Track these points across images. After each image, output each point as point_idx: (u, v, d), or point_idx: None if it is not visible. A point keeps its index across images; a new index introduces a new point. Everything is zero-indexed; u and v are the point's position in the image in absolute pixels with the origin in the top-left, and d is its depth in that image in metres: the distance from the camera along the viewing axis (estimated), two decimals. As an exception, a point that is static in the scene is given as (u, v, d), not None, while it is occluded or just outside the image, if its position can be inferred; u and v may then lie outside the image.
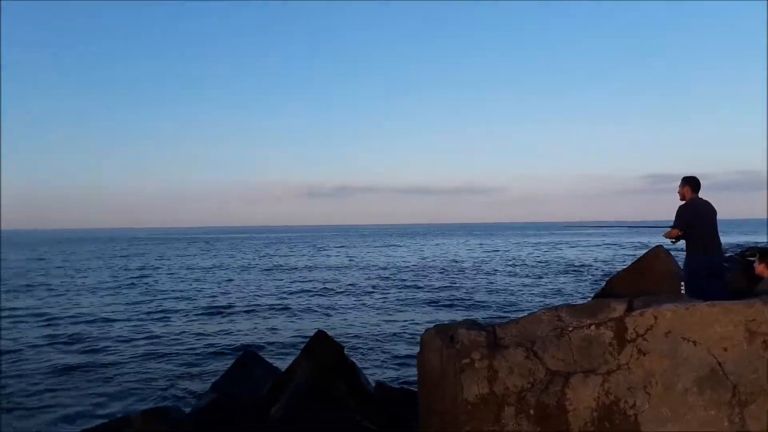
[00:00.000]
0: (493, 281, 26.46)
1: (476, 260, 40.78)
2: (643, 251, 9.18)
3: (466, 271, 32.29)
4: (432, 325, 4.37)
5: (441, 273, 31.15)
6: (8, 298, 22.86)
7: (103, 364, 11.45)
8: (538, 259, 40.82)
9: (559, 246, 58.77)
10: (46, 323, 16.69)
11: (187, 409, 6.42)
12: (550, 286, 24.01)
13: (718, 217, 6.64)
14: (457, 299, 20.49)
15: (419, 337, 4.36)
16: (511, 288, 23.65)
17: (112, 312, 18.72)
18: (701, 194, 6.65)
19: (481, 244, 68.01)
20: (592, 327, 3.46)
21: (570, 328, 3.49)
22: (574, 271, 31.00)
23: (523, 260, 39.72)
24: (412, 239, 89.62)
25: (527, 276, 28.66)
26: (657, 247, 9.18)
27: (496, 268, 33.36)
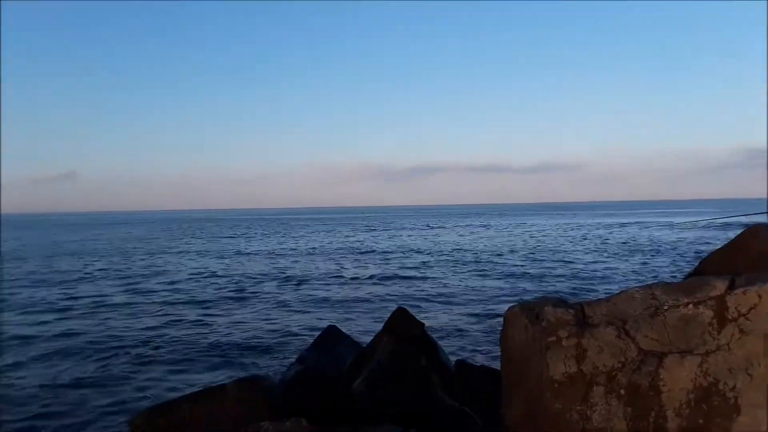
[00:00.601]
0: (574, 262, 25.73)
1: (556, 241, 39.71)
2: (740, 231, 8.63)
3: (546, 251, 31.54)
4: (512, 304, 4.33)
5: (519, 254, 30.61)
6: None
7: (198, 335, 12.21)
8: (621, 239, 39.21)
9: (643, 226, 56.15)
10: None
11: (276, 378, 6.72)
12: (636, 268, 23.05)
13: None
14: (538, 280, 20.11)
15: (501, 316, 4.33)
16: (594, 269, 22.90)
17: (203, 289, 19.84)
18: None
19: (559, 224, 66.08)
20: (690, 306, 3.31)
21: (665, 307, 3.37)
22: (661, 251, 29.57)
23: (606, 241, 38.29)
24: (487, 219, 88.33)
25: (610, 257, 27.64)
26: (756, 225, 8.60)
27: (577, 249, 32.37)
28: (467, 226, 68.84)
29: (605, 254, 28.92)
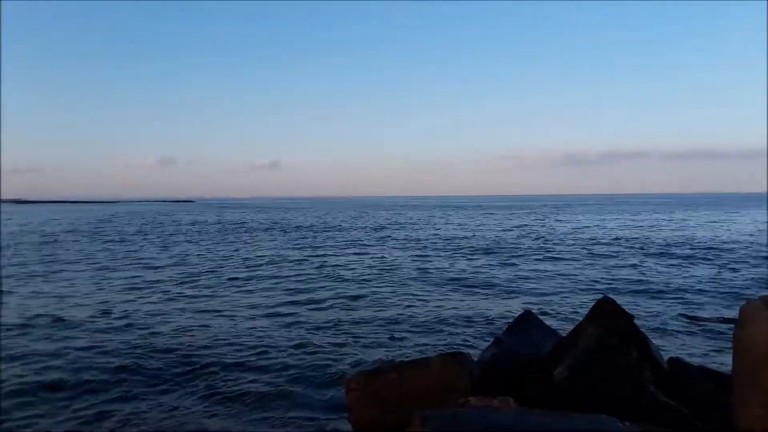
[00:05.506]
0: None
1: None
2: None
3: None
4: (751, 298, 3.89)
5: (746, 249, 26.94)
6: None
7: (409, 310, 13.11)
8: None
9: None
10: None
11: (474, 357, 6.88)
12: None
13: None
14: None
15: (739, 310, 3.92)
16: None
17: (415, 266, 21.33)
18: None
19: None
20: None
21: None
22: None
23: None
24: (700, 211, 78.57)
25: None
26: None
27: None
28: (678, 219, 62.26)
29: None
